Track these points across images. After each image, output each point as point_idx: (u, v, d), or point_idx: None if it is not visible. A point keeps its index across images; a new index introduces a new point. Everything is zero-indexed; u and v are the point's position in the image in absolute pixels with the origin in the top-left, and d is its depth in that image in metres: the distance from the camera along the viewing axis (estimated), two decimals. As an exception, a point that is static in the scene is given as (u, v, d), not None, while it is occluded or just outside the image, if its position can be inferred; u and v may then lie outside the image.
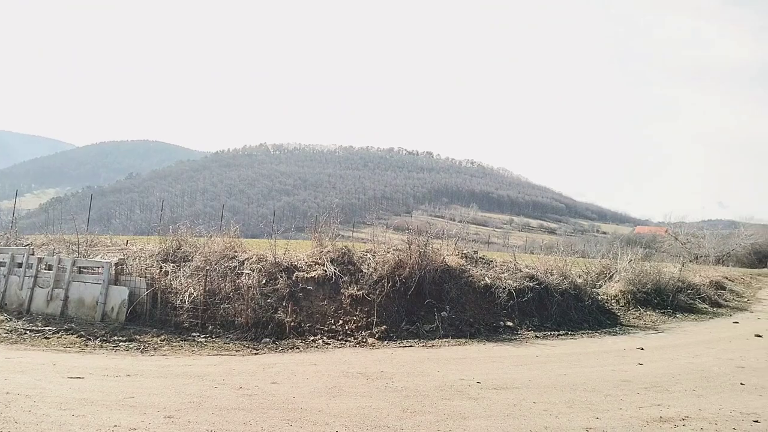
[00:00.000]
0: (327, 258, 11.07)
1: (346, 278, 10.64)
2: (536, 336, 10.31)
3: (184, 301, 9.35)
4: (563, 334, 10.63)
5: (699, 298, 16.32)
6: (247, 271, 10.20)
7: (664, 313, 13.99)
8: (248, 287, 9.61)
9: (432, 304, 10.52)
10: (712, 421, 5.26)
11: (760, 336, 11.64)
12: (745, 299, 20.74)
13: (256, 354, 8.07)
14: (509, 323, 10.83)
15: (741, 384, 6.98)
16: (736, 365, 8.30)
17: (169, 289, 9.72)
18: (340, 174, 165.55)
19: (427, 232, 12.24)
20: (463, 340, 9.61)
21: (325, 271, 10.66)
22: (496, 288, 11.20)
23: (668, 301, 14.61)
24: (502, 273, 12.01)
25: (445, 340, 9.57)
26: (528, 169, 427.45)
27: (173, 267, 10.52)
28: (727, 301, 18.51)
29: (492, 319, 10.79)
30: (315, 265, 10.99)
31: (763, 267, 51.02)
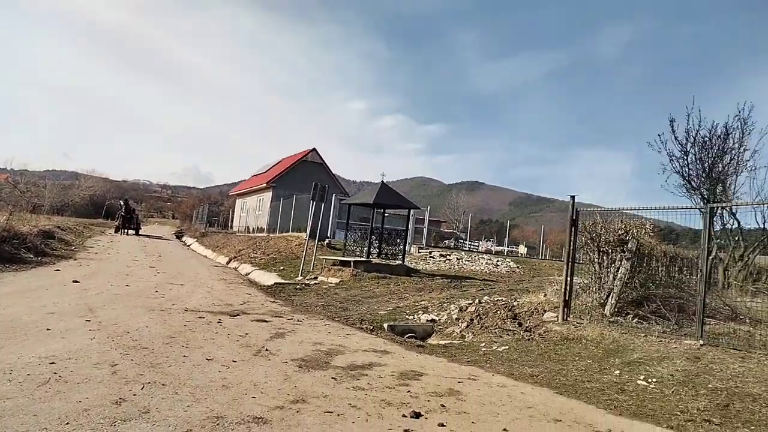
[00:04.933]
0: None
1: None
2: None
3: None
4: None
5: (24, 248, 15.91)
6: None
7: (-18, 264, 12.92)
8: None
9: None
10: (8, 371, 5.11)
11: (77, 282, 12.31)
12: (73, 247, 21.68)
13: None
14: None
15: (47, 329, 7.09)
16: (48, 311, 8.43)
17: None
18: None
19: None
20: None
21: None
22: None
23: (-11, 251, 13.60)
24: None
25: None
26: None
27: None
28: (54, 249, 18.82)
29: None
30: None
31: (99, 217, 54.82)
